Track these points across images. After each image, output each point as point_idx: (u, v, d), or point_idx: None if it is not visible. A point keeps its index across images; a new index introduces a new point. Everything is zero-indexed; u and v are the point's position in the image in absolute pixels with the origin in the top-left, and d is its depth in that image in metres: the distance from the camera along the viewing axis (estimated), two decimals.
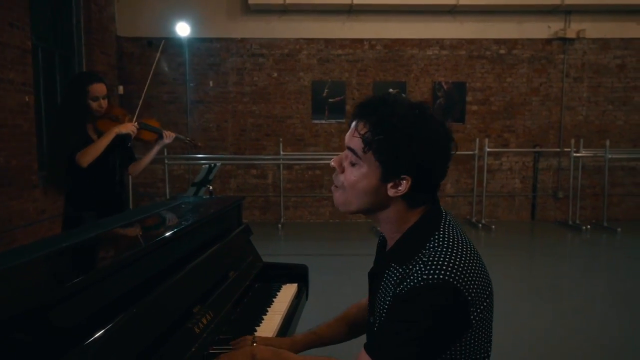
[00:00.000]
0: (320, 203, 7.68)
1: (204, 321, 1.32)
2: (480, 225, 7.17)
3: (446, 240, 1.06)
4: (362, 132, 1.06)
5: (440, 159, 1.07)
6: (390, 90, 7.66)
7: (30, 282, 1.08)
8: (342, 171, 1.12)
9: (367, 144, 1.05)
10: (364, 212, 1.13)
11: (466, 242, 1.08)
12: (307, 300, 2.05)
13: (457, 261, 1.01)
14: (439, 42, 7.51)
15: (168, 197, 7.08)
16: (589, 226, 7.06)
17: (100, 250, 1.38)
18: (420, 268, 1.01)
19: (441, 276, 0.98)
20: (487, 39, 7.50)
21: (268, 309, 1.67)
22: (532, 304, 4.09)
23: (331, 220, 7.66)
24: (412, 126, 1.04)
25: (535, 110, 7.63)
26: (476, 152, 7.28)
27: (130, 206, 5.85)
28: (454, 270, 0.99)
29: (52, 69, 5.88)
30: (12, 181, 4.74)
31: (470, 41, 7.50)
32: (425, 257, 1.03)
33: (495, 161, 7.67)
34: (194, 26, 7.18)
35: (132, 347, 1.08)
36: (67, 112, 2.66)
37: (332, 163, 1.14)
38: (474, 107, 7.61)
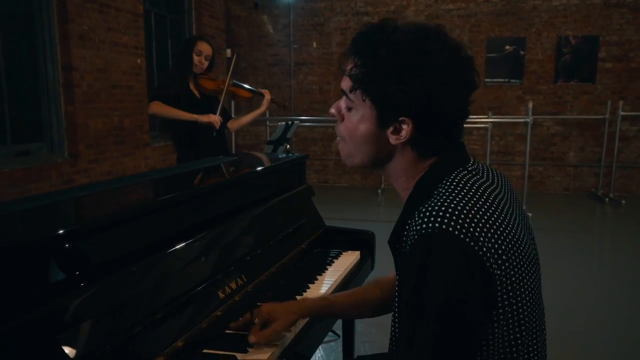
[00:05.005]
0: None
1: (233, 285, 1.21)
2: (607, 199, 6.33)
3: (453, 185, 0.84)
4: (348, 68, 0.88)
5: (449, 91, 0.84)
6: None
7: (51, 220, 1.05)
8: (342, 119, 0.94)
9: (355, 81, 0.87)
10: (369, 165, 0.95)
11: (487, 193, 0.84)
12: (372, 270, 1.87)
13: (460, 207, 0.78)
14: None
15: None
16: None
17: (132, 196, 1.33)
18: (416, 220, 0.80)
19: (437, 224, 0.76)
20: None
21: (318, 276, 1.53)
22: None
23: None
24: (404, 54, 0.82)
25: None
26: (607, 116, 6.37)
27: None
28: (454, 217, 0.76)
29: (164, 32, 6.16)
30: (125, 139, 5.10)
31: None
32: (424, 206, 0.81)
33: (631, 127, 6.66)
34: None
35: (146, 299, 1.01)
36: (175, 61, 3.06)
37: (332, 109, 0.96)
38: (608, 65, 6.62)
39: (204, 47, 2.91)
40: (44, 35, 4.24)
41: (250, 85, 3.34)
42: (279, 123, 2.73)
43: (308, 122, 7.10)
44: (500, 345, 0.82)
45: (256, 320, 1.11)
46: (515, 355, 0.84)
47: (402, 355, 0.79)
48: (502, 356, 0.83)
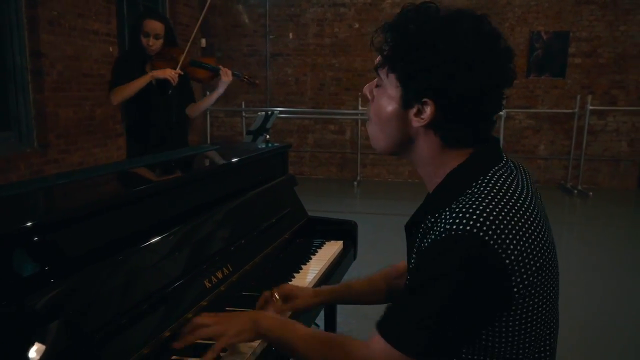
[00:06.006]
0: (400, 161, 7.36)
1: (219, 275, 1.19)
2: (575, 191, 6.51)
3: (490, 187, 0.81)
4: (381, 45, 0.86)
5: (476, 77, 0.80)
6: None
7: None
8: (373, 100, 0.93)
9: (383, 57, 0.86)
10: (394, 149, 0.92)
11: (522, 198, 0.82)
12: (355, 259, 1.88)
13: (495, 212, 0.76)
14: None
15: None
16: None
17: (109, 186, 1.29)
18: (446, 218, 0.79)
19: (467, 227, 0.74)
20: None
21: (303, 266, 1.52)
22: (631, 282, 3.61)
23: (410, 180, 7.35)
24: (432, 31, 0.80)
25: None
26: (576, 110, 6.53)
27: None
28: (487, 222, 0.75)
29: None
30: (97, 129, 4.97)
31: None
32: (455, 205, 0.80)
33: (599, 121, 6.84)
34: None
35: (129, 291, 0.98)
36: (127, 46, 2.70)
37: (365, 89, 0.94)
38: (577, 60, 6.78)
39: (151, 26, 2.56)
40: (10, 20, 4.08)
41: (211, 63, 2.86)
42: (258, 113, 2.70)
43: (284, 113, 7.06)
44: (503, 349, 0.82)
45: (276, 296, 1.15)
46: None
47: (394, 334, 0.80)
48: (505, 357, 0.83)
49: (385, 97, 0.88)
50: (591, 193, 6.38)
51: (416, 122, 0.85)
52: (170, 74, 2.59)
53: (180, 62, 2.66)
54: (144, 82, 2.59)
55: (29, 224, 0.86)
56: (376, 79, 0.91)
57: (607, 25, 6.65)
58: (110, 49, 5.12)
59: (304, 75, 7.41)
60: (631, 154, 6.89)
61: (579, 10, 6.68)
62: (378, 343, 0.81)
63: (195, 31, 2.92)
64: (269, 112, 2.69)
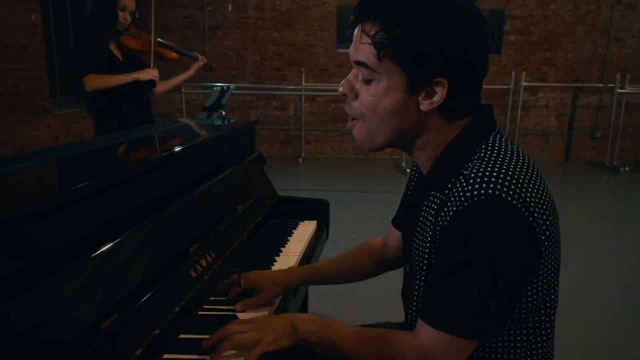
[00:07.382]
0: (343, 137, 7.38)
1: (203, 263, 1.10)
2: None
3: (496, 150, 0.81)
4: (371, 33, 0.79)
5: (478, 46, 0.80)
6: None
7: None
8: (356, 97, 0.86)
9: (381, 47, 0.78)
10: (394, 142, 0.87)
11: (525, 157, 0.84)
12: (327, 238, 1.83)
13: (510, 172, 0.76)
14: None
15: None
16: (627, 168, 6.65)
17: (71, 173, 1.15)
18: (462, 185, 0.77)
19: (490, 191, 0.74)
20: None
21: (282, 248, 1.45)
22: (565, 249, 3.84)
23: (354, 156, 7.40)
24: (436, 9, 0.77)
25: (578, 41, 7.01)
26: (511, 86, 6.80)
27: None
28: (506, 183, 0.74)
29: None
30: (22, 106, 4.56)
31: None
32: (468, 171, 0.78)
33: (530, 97, 7.17)
34: None
35: (111, 290, 0.87)
36: (94, 20, 2.65)
37: (341, 89, 0.87)
38: (512, 38, 7.03)
39: (128, 1, 2.60)
40: None
41: (175, 45, 3.10)
42: (214, 88, 2.55)
43: None
44: (530, 313, 0.83)
45: (242, 286, 1.11)
46: (544, 319, 0.85)
47: (441, 319, 0.77)
48: (531, 324, 0.84)
49: (384, 88, 0.82)
50: None
51: (427, 106, 0.82)
52: (154, 74, 2.70)
53: (153, 43, 2.72)
54: (125, 81, 2.61)
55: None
56: (353, 74, 0.85)
57: (539, 4, 6.92)
58: (33, 17, 4.68)
59: (244, 49, 7.18)
60: (559, 128, 7.30)
61: None
62: (426, 332, 0.79)
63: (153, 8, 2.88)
64: (225, 88, 2.54)
